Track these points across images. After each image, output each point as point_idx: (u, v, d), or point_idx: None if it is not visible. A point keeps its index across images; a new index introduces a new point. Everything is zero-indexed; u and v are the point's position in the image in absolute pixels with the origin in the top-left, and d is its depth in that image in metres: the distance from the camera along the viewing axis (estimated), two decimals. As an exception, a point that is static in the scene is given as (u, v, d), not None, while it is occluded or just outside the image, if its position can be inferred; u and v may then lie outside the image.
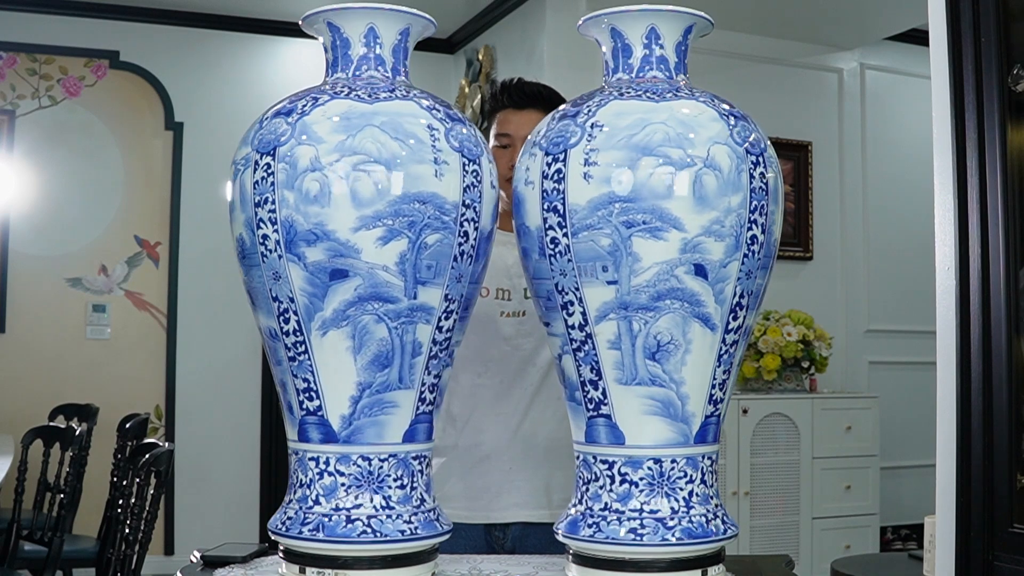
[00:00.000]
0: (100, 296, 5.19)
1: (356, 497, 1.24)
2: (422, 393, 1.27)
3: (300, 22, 1.34)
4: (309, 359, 1.24)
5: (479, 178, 1.26)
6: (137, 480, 2.87)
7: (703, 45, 1.40)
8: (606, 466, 1.27)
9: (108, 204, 5.23)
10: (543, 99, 1.95)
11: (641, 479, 1.25)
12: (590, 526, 1.26)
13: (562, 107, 1.31)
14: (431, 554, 1.30)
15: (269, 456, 5.36)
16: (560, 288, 1.25)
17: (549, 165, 1.24)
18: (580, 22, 1.36)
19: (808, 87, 5.33)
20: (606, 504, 1.26)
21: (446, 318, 1.26)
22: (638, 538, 1.23)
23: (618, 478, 1.25)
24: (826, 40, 5.29)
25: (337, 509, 1.24)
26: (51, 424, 3.90)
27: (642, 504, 1.25)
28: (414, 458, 1.27)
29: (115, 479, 3.64)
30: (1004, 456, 1.49)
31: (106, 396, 4.82)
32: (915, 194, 5.04)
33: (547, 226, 1.24)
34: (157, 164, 5.33)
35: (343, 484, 1.24)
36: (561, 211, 1.23)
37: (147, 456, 2.86)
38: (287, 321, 1.24)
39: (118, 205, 5.25)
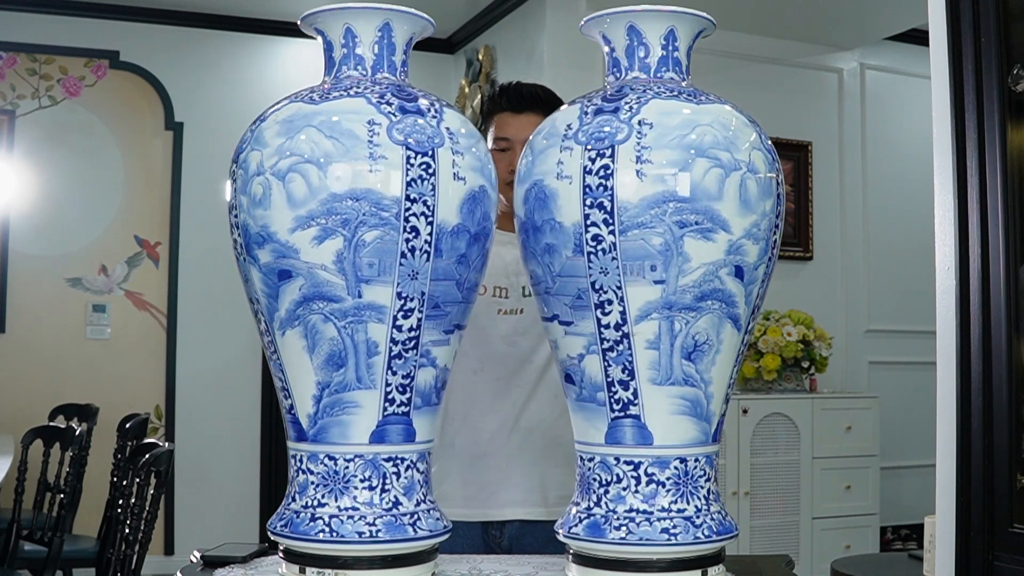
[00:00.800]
0: (100, 296, 5.19)
1: (323, 496, 1.25)
2: (389, 394, 1.24)
3: (299, 22, 1.34)
4: (279, 358, 1.27)
5: (431, 170, 1.21)
6: (137, 480, 2.87)
7: (703, 45, 1.40)
8: (631, 467, 1.26)
9: (108, 204, 5.23)
10: (541, 102, 1.96)
11: (668, 479, 1.25)
12: (618, 528, 1.24)
13: (587, 101, 1.28)
14: (431, 554, 1.30)
15: (269, 456, 5.36)
16: (598, 286, 1.23)
17: (593, 160, 1.21)
18: (590, 18, 1.35)
19: (808, 87, 5.33)
20: (631, 506, 1.25)
21: (404, 317, 1.22)
22: (672, 537, 1.24)
23: (644, 479, 1.25)
24: (826, 40, 5.29)
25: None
26: (51, 424, 3.90)
27: (670, 504, 1.25)
28: (386, 460, 1.25)
29: (115, 479, 3.64)
30: (1004, 456, 1.49)
31: (106, 396, 4.82)
32: (915, 194, 5.04)
33: (589, 222, 1.21)
34: (157, 164, 5.33)
35: (312, 483, 1.26)
36: (608, 208, 1.20)
37: (147, 456, 2.86)
38: (260, 321, 1.29)
39: (118, 205, 5.26)
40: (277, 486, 5.16)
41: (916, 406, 4.83)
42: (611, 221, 1.21)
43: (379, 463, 1.25)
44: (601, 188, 1.21)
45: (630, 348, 1.24)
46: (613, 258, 1.21)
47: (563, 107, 1.33)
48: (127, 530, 2.90)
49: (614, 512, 1.26)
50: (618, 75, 1.33)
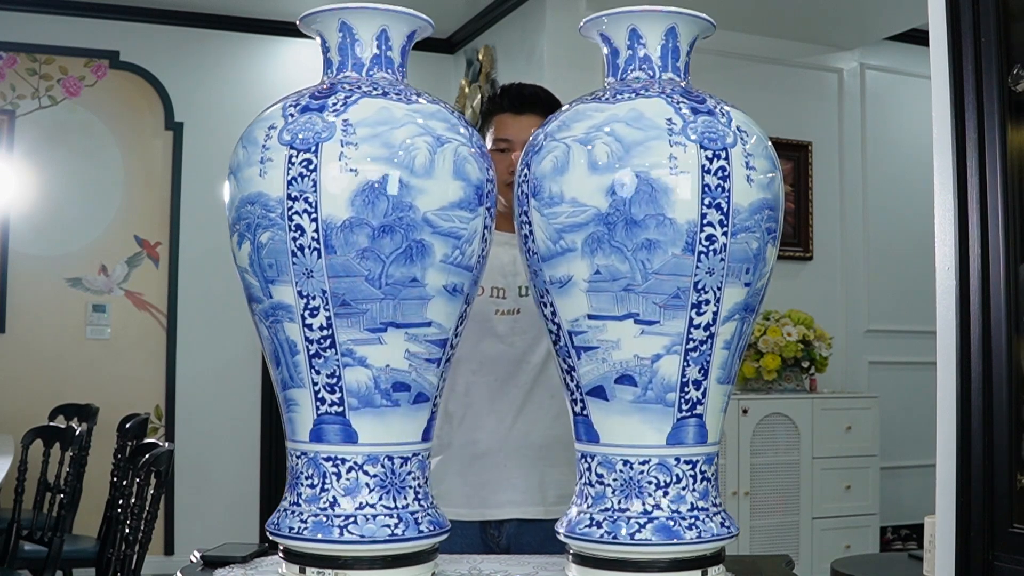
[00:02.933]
0: (100, 296, 5.20)
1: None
2: (318, 393, 1.24)
3: (298, 23, 1.34)
4: None
5: (312, 166, 1.18)
6: (137, 480, 2.87)
7: (703, 45, 1.40)
8: (690, 466, 1.26)
9: (108, 204, 5.23)
10: (541, 103, 1.95)
11: (713, 474, 1.29)
12: (691, 528, 1.24)
13: (669, 98, 1.25)
14: (431, 554, 1.30)
15: (269, 456, 5.36)
16: (700, 286, 1.22)
17: (710, 160, 1.21)
18: (589, 18, 1.35)
19: (808, 87, 5.33)
20: (692, 504, 1.26)
21: (312, 316, 1.21)
22: (728, 530, 1.28)
23: (699, 476, 1.27)
24: (826, 40, 5.29)
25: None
26: (51, 424, 3.90)
27: (713, 498, 1.29)
28: (325, 459, 1.24)
29: (115, 479, 3.64)
30: (1004, 456, 1.49)
31: (106, 396, 4.82)
32: (915, 194, 5.04)
33: (705, 222, 1.20)
34: (157, 164, 5.33)
35: (288, 480, 1.30)
36: (725, 210, 1.21)
37: (147, 456, 2.86)
38: None
39: (118, 205, 5.26)
40: (277, 486, 5.16)
41: (916, 406, 4.84)
42: (726, 223, 1.21)
43: (319, 462, 1.25)
44: (719, 189, 1.21)
45: (711, 348, 1.25)
46: (721, 259, 1.22)
47: (638, 99, 1.25)
48: (127, 530, 2.90)
49: (678, 512, 1.25)
50: (652, 76, 1.32)
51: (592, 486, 1.28)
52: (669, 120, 1.22)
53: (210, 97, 5.36)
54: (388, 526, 1.24)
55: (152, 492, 2.89)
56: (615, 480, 1.26)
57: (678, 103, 1.24)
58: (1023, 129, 1.53)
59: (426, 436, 1.30)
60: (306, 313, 1.22)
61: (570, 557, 1.31)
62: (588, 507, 1.28)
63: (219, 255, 4.99)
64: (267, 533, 1.29)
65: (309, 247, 1.19)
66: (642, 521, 1.24)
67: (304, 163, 1.19)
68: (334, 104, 1.22)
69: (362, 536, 1.22)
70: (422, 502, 1.29)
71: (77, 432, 3.60)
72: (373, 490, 1.25)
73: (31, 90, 5.14)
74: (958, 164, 1.57)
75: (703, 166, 1.20)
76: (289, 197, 1.19)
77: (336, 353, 1.22)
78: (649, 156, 1.20)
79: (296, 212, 1.19)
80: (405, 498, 1.26)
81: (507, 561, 1.52)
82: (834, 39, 5.29)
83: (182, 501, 5.20)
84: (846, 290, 5.33)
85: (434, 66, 5.60)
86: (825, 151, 5.32)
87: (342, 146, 1.19)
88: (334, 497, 1.24)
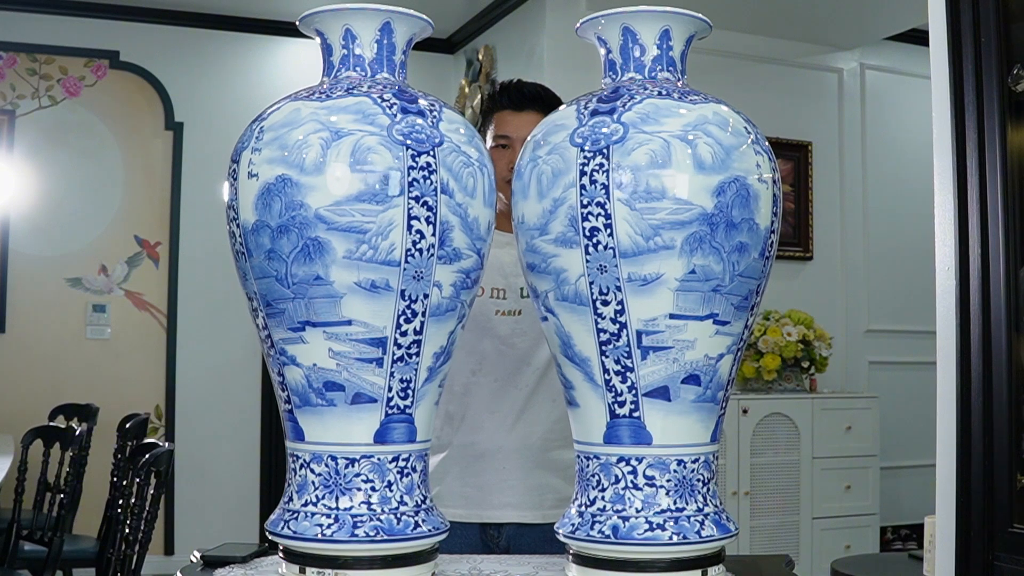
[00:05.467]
0: (100, 296, 5.20)
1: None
2: (281, 390, 1.28)
3: (298, 23, 1.34)
4: None
5: (235, 174, 1.24)
6: (137, 480, 2.87)
7: (703, 45, 1.40)
8: (710, 462, 1.30)
9: (108, 204, 5.23)
10: (542, 100, 1.95)
11: (668, 480, 1.28)
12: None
13: (733, 110, 1.27)
14: (431, 554, 1.30)
15: (269, 456, 5.36)
16: (760, 289, 1.29)
17: (773, 170, 1.28)
18: (585, 19, 1.35)
19: (808, 87, 5.33)
20: (713, 504, 1.30)
21: (255, 316, 1.28)
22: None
23: (712, 473, 1.31)
24: (826, 40, 5.29)
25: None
26: (51, 424, 3.90)
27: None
28: (291, 455, 1.29)
29: (115, 479, 3.64)
30: (1004, 456, 1.49)
31: (106, 396, 4.82)
32: (915, 194, 5.04)
33: (773, 228, 1.28)
34: (157, 164, 5.33)
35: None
36: (780, 218, 1.30)
37: (147, 456, 2.86)
38: None
39: (118, 205, 5.26)
40: (277, 486, 5.16)
41: (916, 406, 4.83)
42: (777, 230, 1.30)
43: (291, 458, 1.29)
44: (780, 199, 1.29)
45: (745, 347, 1.33)
46: (771, 264, 1.30)
47: (712, 103, 1.26)
48: (127, 530, 2.90)
49: (701, 511, 1.26)
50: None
51: (692, 487, 1.27)
52: (746, 128, 1.27)
53: (210, 97, 5.37)
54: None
55: (152, 492, 2.88)
56: (668, 481, 1.25)
57: (736, 111, 1.29)
58: (1023, 129, 1.53)
59: (381, 438, 1.24)
60: (252, 313, 1.29)
61: (570, 557, 1.31)
62: (697, 507, 1.27)
63: (219, 255, 4.99)
64: (267, 533, 1.29)
65: (239, 251, 1.26)
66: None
67: (232, 172, 1.25)
68: (265, 112, 1.27)
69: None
70: (422, 502, 1.29)
71: (77, 432, 3.60)
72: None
73: (31, 90, 5.14)
74: (958, 164, 1.57)
75: (773, 177, 1.27)
76: (228, 206, 1.27)
77: (275, 351, 1.27)
78: (743, 161, 1.23)
79: (231, 219, 1.26)
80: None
81: (507, 561, 1.52)
82: (834, 39, 5.29)
83: (182, 501, 5.20)
84: (846, 290, 5.33)
85: (434, 66, 5.60)
86: (825, 151, 5.32)
87: (251, 152, 1.23)
88: (325, 496, 1.24)
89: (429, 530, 1.26)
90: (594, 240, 1.21)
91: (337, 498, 1.23)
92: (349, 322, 1.21)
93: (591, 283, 1.23)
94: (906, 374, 5.17)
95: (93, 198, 5.21)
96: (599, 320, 1.24)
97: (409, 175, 1.19)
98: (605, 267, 1.22)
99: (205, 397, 5.29)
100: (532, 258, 1.29)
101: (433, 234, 1.21)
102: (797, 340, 4.57)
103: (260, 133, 1.22)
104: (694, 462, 1.26)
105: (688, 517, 1.24)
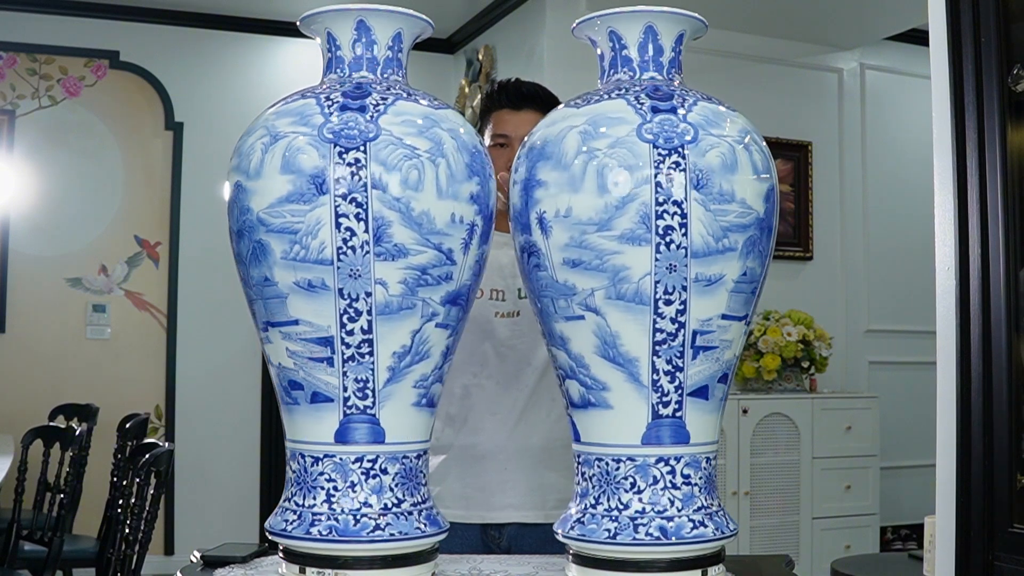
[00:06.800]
0: (100, 296, 5.20)
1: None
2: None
3: (298, 23, 1.34)
4: None
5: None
6: (137, 480, 2.87)
7: (703, 45, 1.40)
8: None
9: (108, 204, 5.24)
10: (540, 99, 1.95)
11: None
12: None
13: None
14: (431, 554, 1.29)
15: (269, 456, 5.36)
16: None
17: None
18: (581, 20, 1.35)
19: (808, 87, 5.33)
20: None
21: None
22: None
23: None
24: (826, 40, 5.29)
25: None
26: (51, 424, 3.90)
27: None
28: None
29: (115, 479, 3.64)
30: (1004, 456, 1.49)
31: (106, 396, 4.82)
32: (915, 194, 5.04)
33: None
34: (157, 164, 5.34)
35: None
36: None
37: (147, 456, 2.86)
38: None
39: (118, 205, 5.26)
40: (277, 486, 5.16)
41: (916, 406, 4.83)
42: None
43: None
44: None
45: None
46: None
47: (726, 112, 1.26)
48: (127, 530, 2.90)
49: (706, 507, 1.26)
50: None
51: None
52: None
53: (210, 97, 5.37)
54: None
55: (152, 492, 2.88)
56: (700, 479, 1.26)
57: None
58: (1023, 129, 1.53)
59: (342, 438, 1.22)
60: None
61: (570, 557, 1.30)
62: (702, 504, 1.27)
63: (219, 255, 4.97)
64: (267, 533, 1.29)
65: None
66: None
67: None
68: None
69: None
70: (422, 502, 1.29)
71: (77, 432, 3.60)
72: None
73: (31, 90, 5.14)
74: (958, 164, 1.57)
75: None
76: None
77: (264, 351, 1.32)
78: (773, 171, 1.28)
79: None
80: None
81: (507, 561, 1.52)
82: (834, 39, 5.29)
83: (182, 501, 5.20)
84: (846, 290, 5.34)
85: (434, 66, 5.60)
86: (825, 151, 5.32)
87: (231, 161, 1.27)
88: (297, 493, 1.25)
89: (429, 530, 1.26)
90: (667, 239, 1.18)
91: (304, 496, 1.24)
92: (296, 322, 1.21)
93: (656, 282, 1.19)
94: (906, 374, 5.18)
95: (93, 198, 5.21)
96: (658, 319, 1.20)
97: (335, 172, 1.16)
98: (675, 266, 1.19)
99: (205, 397, 5.29)
100: (580, 254, 1.21)
101: (366, 231, 1.17)
102: (797, 340, 4.57)
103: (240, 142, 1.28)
104: (713, 459, 1.30)
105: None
